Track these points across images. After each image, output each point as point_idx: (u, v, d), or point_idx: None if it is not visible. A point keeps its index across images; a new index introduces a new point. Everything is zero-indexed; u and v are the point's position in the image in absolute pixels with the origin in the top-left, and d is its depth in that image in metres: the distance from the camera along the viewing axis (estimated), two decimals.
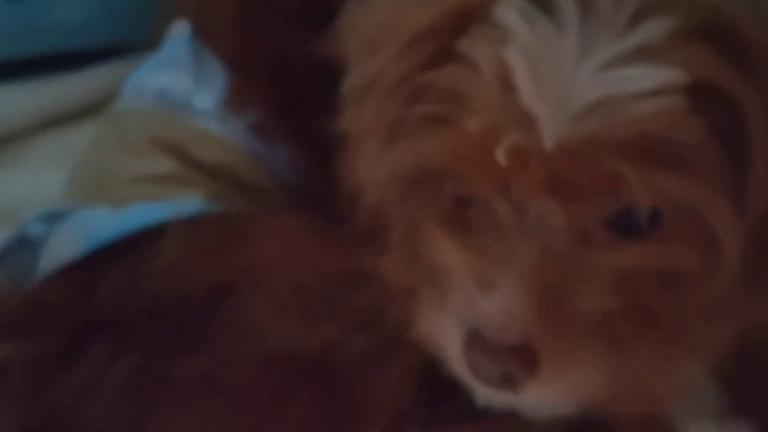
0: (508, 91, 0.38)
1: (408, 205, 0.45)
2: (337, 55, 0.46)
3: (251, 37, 0.59)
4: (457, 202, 0.43)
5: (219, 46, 0.61)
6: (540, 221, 0.39)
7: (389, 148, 0.43)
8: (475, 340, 0.40)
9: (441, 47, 0.41)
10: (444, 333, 0.43)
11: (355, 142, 0.46)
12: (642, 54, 0.36)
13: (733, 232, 0.38)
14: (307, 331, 0.48)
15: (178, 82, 0.61)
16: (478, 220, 0.42)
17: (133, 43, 0.82)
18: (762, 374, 0.55)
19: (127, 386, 0.47)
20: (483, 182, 0.41)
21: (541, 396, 0.41)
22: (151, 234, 0.51)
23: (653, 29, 0.37)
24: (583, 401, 0.42)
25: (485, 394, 0.44)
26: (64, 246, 0.53)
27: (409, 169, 0.43)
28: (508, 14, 0.38)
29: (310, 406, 0.49)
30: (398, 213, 0.45)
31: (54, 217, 0.55)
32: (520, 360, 0.39)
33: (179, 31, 0.65)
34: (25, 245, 0.55)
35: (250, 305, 0.49)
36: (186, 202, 0.53)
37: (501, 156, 0.38)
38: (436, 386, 0.51)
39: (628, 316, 0.40)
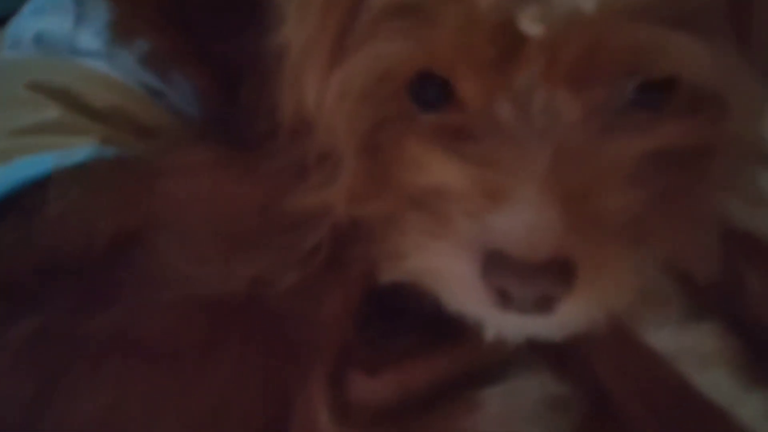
0: None
1: (363, 122, 0.40)
2: None
3: None
4: (430, 110, 0.38)
5: None
6: (548, 114, 0.35)
7: (340, 60, 0.38)
8: (499, 264, 0.35)
9: None
10: (449, 263, 0.37)
11: (295, 61, 0.40)
12: None
13: (742, 94, 0.36)
14: (228, 271, 0.44)
15: (58, 24, 0.57)
16: (469, 126, 0.37)
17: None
18: (726, 269, 0.50)
19: (27, 353, 0.43)
20: (473, 79, 0.36)
21: (576, 312, 0.37)
22: (39, 187, 0.47)
23: None
24: (612, 312, 0.38)
25: (507, 325, 0.39)
26: None
27: (369, 80, 0.38)
28: None
29: (242, 351, 0.45)
30: (350, 133, 0.40)
31: None
32: (557, 275, 0.35)
33: None
34: None
35: (160, 251, 0.45)
36: (75, 150, 0.49)
37: (530, 26, 0.33)
38: (380, 321, 0.49)
39: (651, 204, 0.36)
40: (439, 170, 0.37)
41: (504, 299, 0.36)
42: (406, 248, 0.39)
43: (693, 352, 0.52)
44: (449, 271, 0.38)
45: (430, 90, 0.37)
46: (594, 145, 0.35)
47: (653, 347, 0.51)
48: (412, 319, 0.48)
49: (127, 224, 0.45)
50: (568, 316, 0.37)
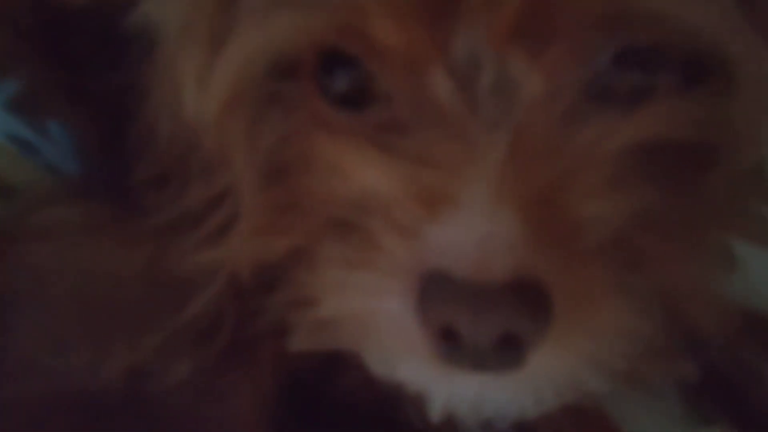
0: None
1: (265, 137, 0.33)
2: None
3: None
4: (345, 104, 0.32)
5: None
6: (500, 92, 0.29)
7: (226, 41, 0.31)
8: (442, 290, 0.28)
9: None
10: (374, 299, 0.30)
11: (169, 56, 0.34)
12: None
13: (752, 67, 0.29)
14: (99, 359, 0.38)
15: None
16: (396, 115, 0.30)
17: None
18: (738, 362, 0.46)
19: None
20: (395, 43, 0.29)
21: (555, 366, 0.29)
22: None
23: None
24: (602, 370, 0.30)
25: (458, 391, 0.31)
26: None
27: (260, 67, 0.31)
28: None
29: None
30: (249, 155, 0.34)
31: None
32: (525, 302, 0.27)
33: None
34: None
35: (11, 333, 0.38)
36: None
37: None
38: (300, 418, 0.42)
39: (640, 220, 0.30)
40: (361, 173, 0.30)
41: (450, 342, 0.28)
42: (321, 289, 0.32)
43: None
44: (375, 311, 0.30)
45: (342, 77, 0.31)
46: (562, 133, 0.28)
47: None
48: (340, 414, 0.41)
49: None
50: (544, 373, 0.29)
